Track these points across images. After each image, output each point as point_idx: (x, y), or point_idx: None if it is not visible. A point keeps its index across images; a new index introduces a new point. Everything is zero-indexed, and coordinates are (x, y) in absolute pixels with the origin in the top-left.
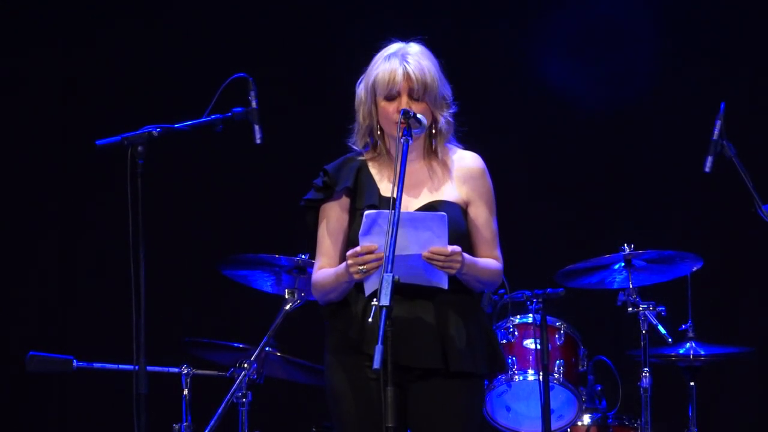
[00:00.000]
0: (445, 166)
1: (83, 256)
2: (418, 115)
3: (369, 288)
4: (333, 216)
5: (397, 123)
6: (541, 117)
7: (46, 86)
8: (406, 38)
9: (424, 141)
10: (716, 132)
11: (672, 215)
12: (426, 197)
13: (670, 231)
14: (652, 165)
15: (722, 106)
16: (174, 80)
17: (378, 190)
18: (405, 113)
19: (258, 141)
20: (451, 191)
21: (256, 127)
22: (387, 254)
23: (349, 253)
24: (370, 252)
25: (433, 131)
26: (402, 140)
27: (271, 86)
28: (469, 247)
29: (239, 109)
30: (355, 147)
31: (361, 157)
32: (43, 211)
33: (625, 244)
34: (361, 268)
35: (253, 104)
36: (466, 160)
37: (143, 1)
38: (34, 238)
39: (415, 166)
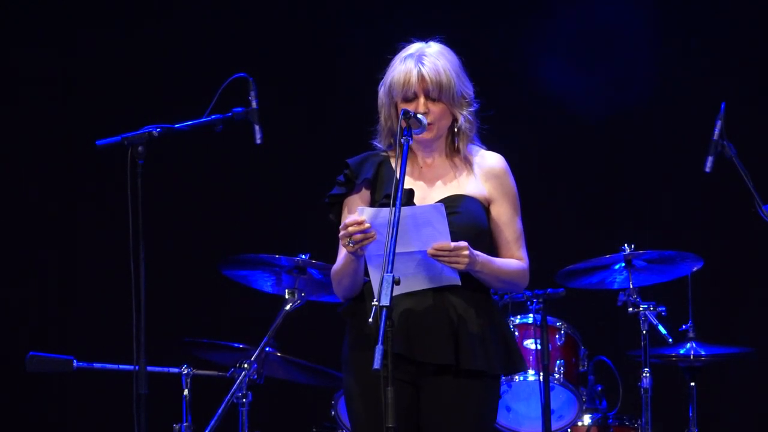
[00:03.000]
0: (468, 164)
1: (83, 256)
2: (419, 115)
3: (375, 288)
4: (354, 209)
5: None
6: (541, 118)
7: (46, 86)
8: (424, 38)
9: (446, 139)
10: (716, 132)
11: (672, 215)
12: (446, 191)
13: (670, 231)
14: (652, 165)
15: (722, 106)
16: (174, 80)
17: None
18: (405, 113)
19: (258, 141)
20: (472, 187)
21: (256, 127)
22: (387, 254)
23: (341, 225)
24: (358, 224)
25: (455, 130)
26: (402, 140)
27: (271, 86)
28: (491, 245)
29: (239, 109)
30: (379, 146)
31: (384, 154)
32: (43, 211)
33: (626, 244)
34: (348, 240)
35: (253, 104)
36: (488, 160)
37: (144, 0)
38: (34, 238)
39: (437, 162)
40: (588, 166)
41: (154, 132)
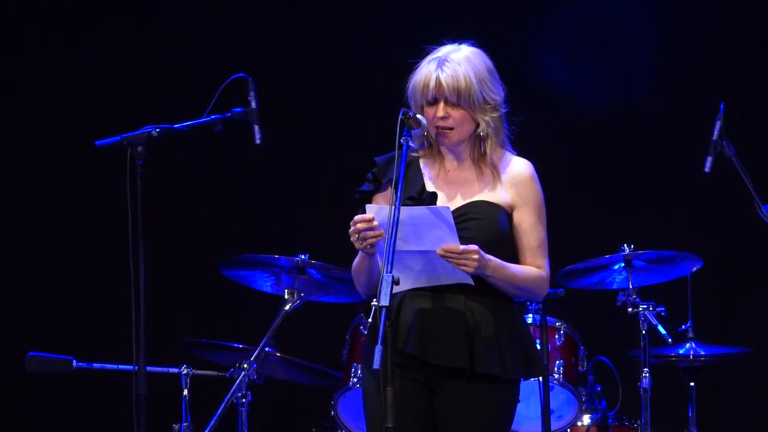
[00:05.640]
0: (495, 170)
1: (83, 256)
2: (418, 116)
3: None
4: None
5: (435, 126)
6: (541, 117)
7: (46, 87)
8: (456, 40)
9: (474, 143)
10: (716, 132)
11: (672, 215)
12: (469, 196)
13: (670, 231)
14: (651, 165)
15: (722, 106)
16: (174, 80)
17: (423, 185)
18: (404, 113)
19: (258, 141)
20: (495, 193)
21: (256, 128)
22: (387, 255)
23: (351, 222)
24: (366, 221)
25: (480, 135)
26: (401, 141)
27: (271, 86)
28: (512, 252)
29: (239, 109)
30: (413, 145)
31: (414, 153)
32: (43, 212)
33: (625, 244)
34: (358, 236)
35: (253, 104)
36: (515, 166)
37: (143, 1)
38: (34, 238)
39: (464, 167)
40: (588, 166)
41: (153, 132)
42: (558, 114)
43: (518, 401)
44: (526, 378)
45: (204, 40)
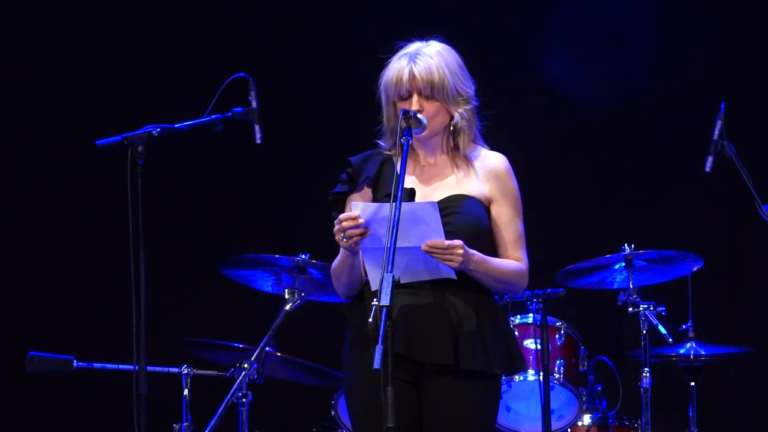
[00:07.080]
0: (470, 164)
1: (83, 256)
2: (419, 115)
3: (373, 285)
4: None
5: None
6: (540, 115)
7: (47, 86)
8: (422, 37)
9: (447, 138)
10: (716, 132)
11: (672, 215)
12: (447, 191)
13: (670, 231)
14: (652, 165)
15: (722, 106)
16: (174, 80)
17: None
18: (405, 113)
19: (258, 141)
20: (473, 187)
21: (256, 127)
22: (387, 252)
23: (336, 220)
24: (352, 219)
25: (452, 128)
26: (402, 140)
27: (271, 86)
28: (492, 246)
29: (239, 109)
30: (384, 145)
31: (388, 152)
32: (44, 211)
33: (626, 244)
34: (342, 235)
35: (253, 104)
36: (491, 160)
37: (144, 0)
38: (34, 237)
39: (439, 162)
40: (588, 165)
41: (154, 132)
42: (558, 113)
43: (501, 397)
44: (509, 374)
45: (204, 39)
